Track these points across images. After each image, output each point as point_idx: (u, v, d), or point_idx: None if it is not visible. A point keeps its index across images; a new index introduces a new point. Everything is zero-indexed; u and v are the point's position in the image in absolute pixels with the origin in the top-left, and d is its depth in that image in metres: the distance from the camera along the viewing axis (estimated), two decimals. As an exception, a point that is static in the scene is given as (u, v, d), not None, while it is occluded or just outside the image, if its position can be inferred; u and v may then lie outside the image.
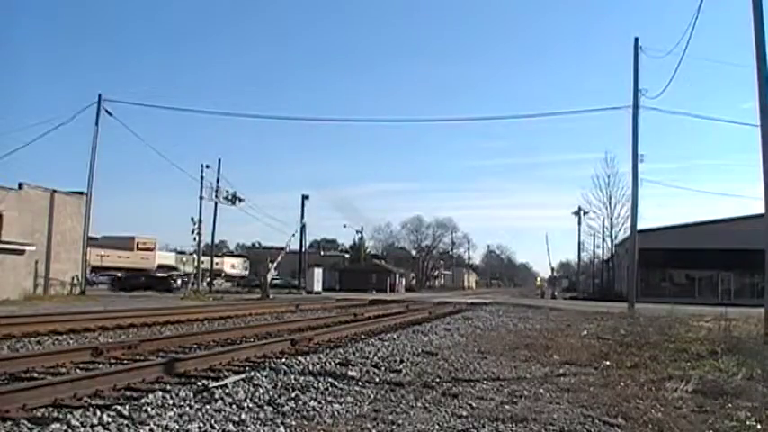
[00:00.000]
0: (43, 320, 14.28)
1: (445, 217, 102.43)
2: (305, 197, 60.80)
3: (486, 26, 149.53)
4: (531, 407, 6.42)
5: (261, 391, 6.68)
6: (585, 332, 15.83)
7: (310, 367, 8.37)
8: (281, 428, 5.30)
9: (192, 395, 6.24)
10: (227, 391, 6.52)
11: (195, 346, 11.49)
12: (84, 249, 35.13)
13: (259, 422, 5.44)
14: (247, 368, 8.49)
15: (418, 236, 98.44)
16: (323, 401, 6.37)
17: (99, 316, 16.28)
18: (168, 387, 6.91)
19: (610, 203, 57.60)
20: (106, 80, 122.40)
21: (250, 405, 6.04)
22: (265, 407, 6.02)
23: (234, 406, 5.94)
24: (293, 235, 56.73)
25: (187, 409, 5.70)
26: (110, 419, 5.14)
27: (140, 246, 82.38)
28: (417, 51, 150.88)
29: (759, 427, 5.72)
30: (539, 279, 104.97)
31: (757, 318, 15.52)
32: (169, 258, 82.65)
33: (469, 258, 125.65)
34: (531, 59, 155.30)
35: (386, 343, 12.00)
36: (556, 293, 60.59)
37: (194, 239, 46.13)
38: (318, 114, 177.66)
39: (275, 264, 46.44)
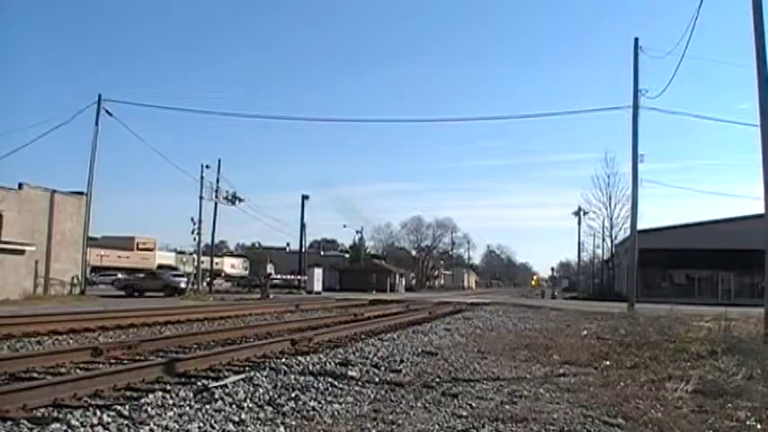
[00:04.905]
0: (43, 320, 14.28)
1: (445, 217, 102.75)
2: (305, 197, 61.01)
3: (486, 26, 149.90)
4: (531, 407, 6.42)
5: (261, 391, 6.68)
6: (585, 332, 15.82)
7: (310, 367, 8.37)
8: (281, 428, 5.30)
9: (191, 395, 6.24)
10: (227, 391, 6.52)
11: (195, 346, 11.48)
12: (84, 249, 35.14)
13: (259, 422, 5.44)
14: (247, 368, 8.48)
15: (418, 236, 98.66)
16: (323, 401, 6.37)
17: (99, 316, 16.28)
18: (168, 387, 6.90)
19: (610, 203, 57.55)
20: (106, 80, 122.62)
21: (250, 405, 6.04)
22: (265, 407, 6.02)
23: (234, 406, 5.94)
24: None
25: (187, 409, 5.70)
26: (110, 419, 5.14)
27: (140, 246, 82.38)
28: (418, 52, 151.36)
29: (759, 427, 5.72)
30: (535, 278, 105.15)
31: (757, 318, 15.50)
32: (169, 258, 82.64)
33: (469, 258, 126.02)
34: (531, 59, 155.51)
35: (386, 343, 12.00)
36: (556, 293, 60.66)
37: (194, 239, 46.16)
38: (319, 114, 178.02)
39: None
